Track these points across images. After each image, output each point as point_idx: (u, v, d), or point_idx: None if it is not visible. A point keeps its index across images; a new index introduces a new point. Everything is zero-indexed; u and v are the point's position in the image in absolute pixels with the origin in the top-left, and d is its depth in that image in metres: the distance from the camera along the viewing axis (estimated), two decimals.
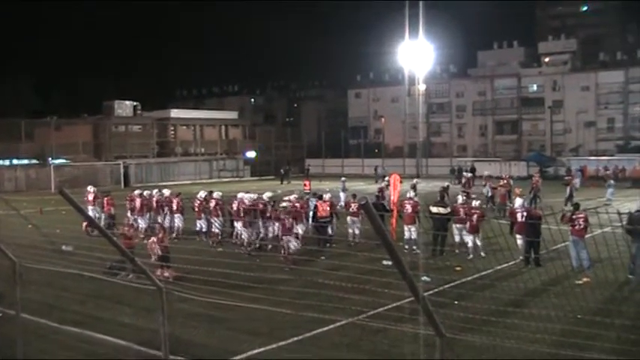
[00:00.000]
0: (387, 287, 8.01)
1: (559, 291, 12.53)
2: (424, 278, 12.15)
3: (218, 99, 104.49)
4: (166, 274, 13.42)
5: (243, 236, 18.67)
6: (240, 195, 20.06)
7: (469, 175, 38.90)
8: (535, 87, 78.45)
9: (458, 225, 17.80)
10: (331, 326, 10.55)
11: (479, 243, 17.21)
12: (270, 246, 18.42)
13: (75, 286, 12.78)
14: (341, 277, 10.58)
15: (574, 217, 15.65)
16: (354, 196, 21.18)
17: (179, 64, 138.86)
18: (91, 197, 24.10)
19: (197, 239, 20.29)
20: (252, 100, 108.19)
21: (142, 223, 21.51)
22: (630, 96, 72.83)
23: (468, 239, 17.37)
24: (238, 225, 19.12)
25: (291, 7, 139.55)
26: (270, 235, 18.67)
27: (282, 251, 16.39)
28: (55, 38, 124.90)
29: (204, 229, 20.75)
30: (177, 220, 21.44)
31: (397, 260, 4.07)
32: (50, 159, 51.34)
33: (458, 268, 15.06)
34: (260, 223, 18.89)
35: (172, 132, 67.90)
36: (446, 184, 27.65)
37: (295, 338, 10.23)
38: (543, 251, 15.63)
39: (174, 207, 21.62)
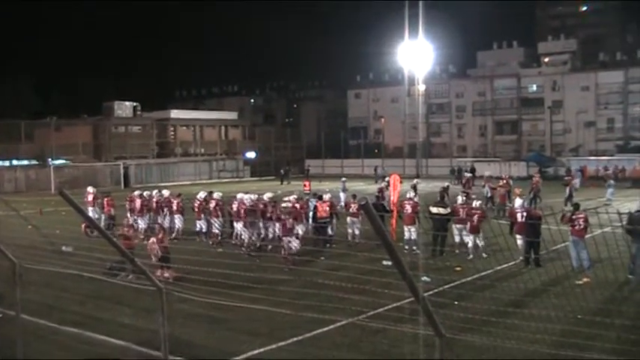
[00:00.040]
0: (387, 287, 8.01)
1: (559, 291, 12.53)
2: (424, 278, 12.14)
3: (218, 99, 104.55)
4: (166, 274, 13.42)
5: (243, 237, 18.67)
6: (239, 196, 20.06)
7: (469, 175, 38.93)
8: (535, 87, 78.47)
9: (458, 225, 17.80)
10: (331, 326, 10.55)
11: (481, 243, 17.20)
12: (270, 246, 18.43)
13: (75, 286, 12.77)
14: (341, 277, 10.58)
15: (574, 217, 15.64)
16: (354, 196, 21.17)
17: (179, 64, 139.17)
18: (90, 198, 24.09)
19: (197, 240, 20.29)
20: (252, 100, 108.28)
21: (141, 224, 21.53)
22: (630, 96, 72.85)
23: (469, 239, 17.36)
24: (238, 225, 19.12)
25: (291, 7, 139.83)
26: (271, 235, 18.68)
27: (283, 252, 16.39)
28: (55, 38, 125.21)
29: (204, 230, 20.75)
30: (177, 221, 21.43)
31: (397, 260, 4.07)
32: (50, 160, 51.31)
33: (458, 269, 15.06)
34: (261, 224, 18.88)
35: (172, 132, 67.93)
36: (446, 184, 27.65)
37: (295, 339, 10.22)
38: (543, 251, 15.63)
39: (174, 207, 21.62)
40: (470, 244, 17.29)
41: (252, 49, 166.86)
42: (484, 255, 16.86)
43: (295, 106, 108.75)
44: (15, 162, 51.72)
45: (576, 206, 16.79)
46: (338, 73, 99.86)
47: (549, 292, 12.45)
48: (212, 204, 20.48)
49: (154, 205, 22.34)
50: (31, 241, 13.47)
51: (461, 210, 17.92)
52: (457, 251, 17.49)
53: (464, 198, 19.01)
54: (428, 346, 5.78)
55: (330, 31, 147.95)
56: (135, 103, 65.34)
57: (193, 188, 36.64)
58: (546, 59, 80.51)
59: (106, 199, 23.63)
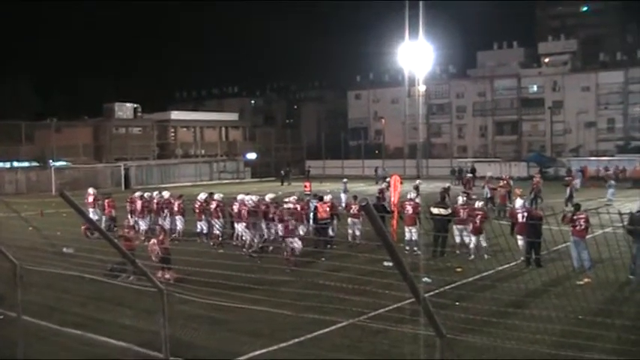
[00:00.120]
0: (387, 288, 8.02)
1: (560, 292, 12.54)
2: (425, 279, 12.15)
3: (218, 100, 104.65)
4: (167, 275, 13.42)
5: (244, 238, 18.68)
6: (240, 197, 20.06)
7: (469, 175, 38.93)
8: (535, 87, 78.52)
9: (458, 226, 17.80)
10: (332, 327, 10.55)
11: (484, 244, 17.20)
12: (271, 247, 18.43)
13: (76, 288, 12.77)
14: (342, 278, 10.61)
15: (575, 217, 15.64)
16: (355, 197, 21.18)
17: (179, 64, 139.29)
18: (91, 199, 24.08)
19: (198, 241, 20.28)
20: (252, 101, 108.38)
21: (142, 225, 21.54)
22: (630, 96, 72.88)
23: (471, 240, 17.35)
24: (239, 227, 19.13)
25: (291, 7, 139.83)
26: (273, 236, 18.67)
27: (285, 253, 16.39)
28: (55, 38, 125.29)
29: (204, 231, 20.76)
30: (178, 222, 21.44)
31: (398, 261, 4.08)
32: (51, 161, 51.32)
33: (459, 269, 15.05)
34: (263, 225, 18.89)
35: (172, 134, 67.96)
36: (447, 184, 27.65)
37: (296, 340, 10.23)
38: (544, 252, 15.62)
39: (175, 209, 21.63)
40: (472, 245, 17.29)
41: (252, 50, 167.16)
42: (485, 256, 16.85)
43: (295, 107, 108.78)
44: (15, 163, 51.73)
45: (577, 206, 16.77)
46: (338, 74, 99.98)
47: (550, 292, 12.46)
48: (213, 205, 20.49)
49: (155, 206, 22.34)
50: (32, 243, 13.49)
51: (461, 211, 17.92)
52: (458, 252, 17.48)
53: (464, 198, 19.01)
54: (428, 347, 5.79)
55: (331, 31, 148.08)
56: (135, 105, 65.39)
57: (194, 189, 36.70)
58: (546, 59, 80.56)
59: (106, 200, 23.64)
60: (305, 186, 35.69)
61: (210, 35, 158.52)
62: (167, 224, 20.78)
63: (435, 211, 18.00)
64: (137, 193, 23.76)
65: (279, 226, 17.78)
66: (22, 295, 8.45)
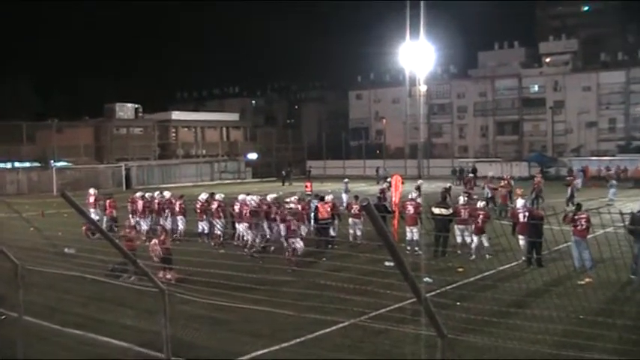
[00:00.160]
0: (389, 288, 8.01)
1: (561, 291, 12.53)
2: (426, 279, 12.15)
3: (219, 101, 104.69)
4: (168, 276, 13.43)
5: (245, 238, 18.68)
6: (241, 197, 20.08)
7: (470, 175, 38.93)
8: (536, 87, 78.47)
9: (460, 226, 17.79)
10: (333, 328, 10.56)
11: (486, 244, 17.20)
12: (272, 247, 18.44)
13: (77, 288, 12.78)
14: (343, 278, 10.60)
15: (576, 217, 15.64)
16: (356, 197, 21.18)
17: (179, 64, 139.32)
18: (92, 200, 24.10)
19: (199, 241, 20.29)
20: (253, 101, 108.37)
21: (143, 226, 21.54)
22: (631, 96, 72.81)
23: (474, 240, 17.32)
24: (240, 227, 19.13)
25: (291, 7, 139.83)
26: (275, 237, 18.66)
27: (287, 253, 16.39)
28: (55, 38, 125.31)
29: (206, 231, 20.77)
30: (180, 222, 21.45)
31: (399, 261, 4.08)
32: (52, 162, 51.35)
33: (460, 269, 15.05)
34: (265, 225, 18.89)
35: (174, 134, 68.02)
36: (448, 184, 27.65)
37: (297, 340, 10.23)
38: (545, 252, 15.62)
39: (176, 209, 21.64)
40: (474, 245, 17.28)
41: (252, 50, 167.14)
42: (487, 256, 16.85)
43: (296, 107, 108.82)
44: (17, 164, 51.80)
45: (578, 206, 16.77)
46: (339, 74, 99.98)
47: (551, 292, 12.45)
48: (214, 205, 20.50)
49: (156, 206, 22.36)
50: (34, 243, 13.50)
51: (462, 210, 17.92)
52: (459, 252, 17.48)
53: (466, 198, 19.01)
54: (430, 347, 5.79)
55: (331, 31, 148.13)
56: (136, 105, 65.44)
57: (195, 190, 36.72)
58: (547, 59, 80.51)
59: (108, 200, 23.65)
60: (306, 186, 35.68)
61: (210, 35, 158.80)
62: (168, 224, 20.79)
63: (436, 211, 18.00)
64: (138, 194, 23.78)
65: (282, 226, 17.79)
66: (24, 295, 8.45)
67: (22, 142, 52.68)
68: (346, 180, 33.76)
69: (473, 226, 17.41)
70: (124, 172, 54.32)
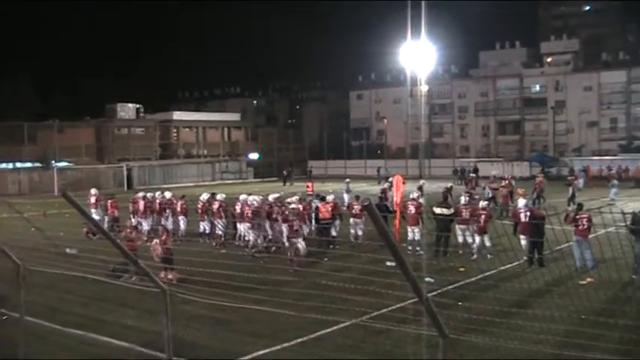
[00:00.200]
0: (390, 288, 8.01)
1: (563, 291, 12.53)
2: (427, 279, 12.15)
3: (220, 101, 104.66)
4: (170, 276, 13.44)
5: (247, 238, 18.68)
6: (242, 197, 20.08)
7: (472, 175, 38.93)
8: (537, 87, 78.40)
9: (461, 226, 17.78)
10: (334, 327, 10.55)
11: (487, 244, 17.18)
12: (273, 248, 18.44)
13: (78, 288, 12.79)
14: (344, 278, 10.60)
15: (577, 217, 15.62)
16: (358, 197, 21.17)
17: (179, 64, 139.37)
18: (93, 200, 24.11)
19: (200, 241, 20.31)
20: (254, 102, 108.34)
21: (145, 226, 21.56)
22: (633, 96, 72.73)
23: (475, 240, 17.31)
24: (241, 227, 19.13)
25: (291, 7, 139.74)
26: (277, 237, 18.65)
27: (289, 253, 16.39)
28: (55, 38, 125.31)
29: (207, 231, 20.78)
30: (181, 222, 21.46)
31: (400, 261, 4.07)
32: (53, 162, 51.37)
33: (461, 269, 15.04)
34: (267, 225, 18.89)
35: (175, 134, 68.01)
36: (449, 184, 27.64)
37: (298, 340, 10.23)
38: (547, 251, 15.61)
39: (178, 209, 21.65)
40: (475, 245, 17.28)
41: (252, 50, 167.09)
42: (488, 255, 16.84)
43: (297, 107, 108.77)
44: (18, 164, 51.79)
45: (580, 206, 16.76)
46: (340, 74, 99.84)
47: (553, 292, 12.45)
48: (215, 205, 20.50)
49: (157, 206, 22.37)
50: (35, 244, 13.50)
51: (464, 210, 17.91)
52: (461, 252, 17.48)
53: (467, 198, 19.00)
54: (431, 347, 5.79)
55: (332, 31, 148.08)
56: (138, 105, 65.40)
57: (196, 190, 36.74)
58: (549, 59, 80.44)
59: (109, 201, 23.68)
60: (307, 186, 35.66)
61: (210, 35, 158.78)
62: (170, 224, 20.79)
63: (437, 210, 17.99)
64: (140, 194, 23.79)
65: (284, 226, 17.78)
66: (25, 295, 8.46)
67: (24, 143, 52.65)
68: (348, 180, 33.77)
69: (474, 226, 17.40)
70: (125, 173, 54.35)
